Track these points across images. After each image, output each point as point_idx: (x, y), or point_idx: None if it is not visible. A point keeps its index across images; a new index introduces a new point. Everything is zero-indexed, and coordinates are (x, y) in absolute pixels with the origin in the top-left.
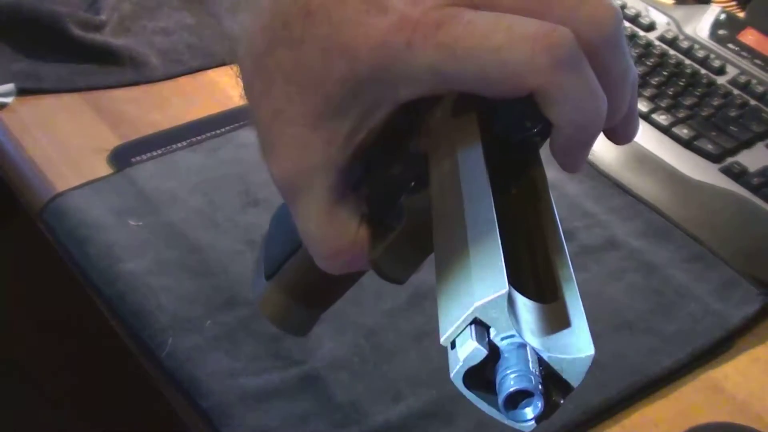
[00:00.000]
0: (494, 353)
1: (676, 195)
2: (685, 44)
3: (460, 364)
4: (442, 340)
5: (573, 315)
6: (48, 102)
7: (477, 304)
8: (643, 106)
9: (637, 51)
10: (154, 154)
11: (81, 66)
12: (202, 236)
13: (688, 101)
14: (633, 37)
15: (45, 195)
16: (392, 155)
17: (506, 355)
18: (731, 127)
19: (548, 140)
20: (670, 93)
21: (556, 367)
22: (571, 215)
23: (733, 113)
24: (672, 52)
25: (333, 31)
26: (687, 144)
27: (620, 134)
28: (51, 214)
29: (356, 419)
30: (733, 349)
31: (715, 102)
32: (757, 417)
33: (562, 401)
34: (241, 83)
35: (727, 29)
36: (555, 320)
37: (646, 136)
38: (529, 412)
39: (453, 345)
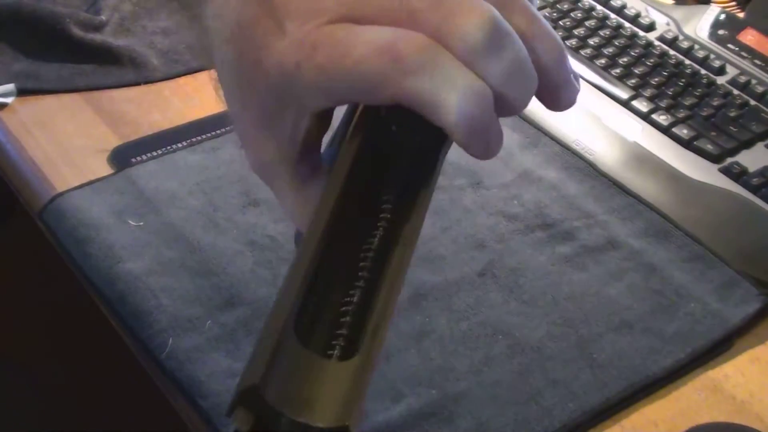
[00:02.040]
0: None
1: (676, 195)
2: (684, 44)
3: None
4: (226, 413)
5: (349, 381)
6: (48, 102)
7: (238, 389)
8: (643, 107)
9: (636, 51)
10: (154, 154)
11: (81, 66)
12: (202, 236)
13: (688, 101)
14: (633, 36)
15: (45, 195)
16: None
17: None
18: (731, 128)
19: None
20: (670, 93)
21: None
22: (571, 215)
23: (732, 113)
24: (672, 52)
25: (255, 47)
26: (687, 144)
27: (550, 103)
28: (51, 214)
29: None
30: (733, 349)
31: (715, 102)
32: (757, 417)
33: None
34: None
35: (726, 29)
36: (329, 385)
37: (646, 136)
38: None
39: (232, 419)
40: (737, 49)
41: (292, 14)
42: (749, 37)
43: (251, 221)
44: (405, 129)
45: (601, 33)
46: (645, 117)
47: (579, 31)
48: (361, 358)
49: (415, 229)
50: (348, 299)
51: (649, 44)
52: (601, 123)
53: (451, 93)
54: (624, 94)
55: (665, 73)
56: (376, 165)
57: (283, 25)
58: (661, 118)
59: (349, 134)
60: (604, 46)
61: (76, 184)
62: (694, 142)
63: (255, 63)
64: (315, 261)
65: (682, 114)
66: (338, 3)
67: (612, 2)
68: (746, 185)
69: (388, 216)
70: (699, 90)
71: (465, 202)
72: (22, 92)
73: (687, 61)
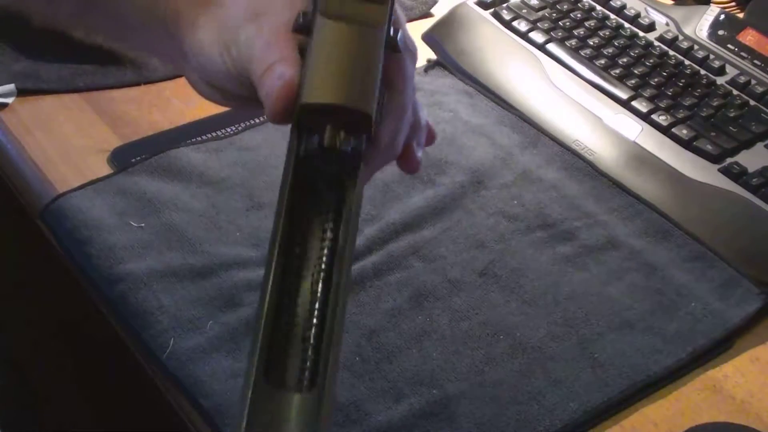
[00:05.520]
0: None
1: (676, 195)
2: (684, 45)
3: None
4: None
5: (313, 413)
6: (48, 102)
7: None
8: (642, 107)
9: (636, 51)
10: (155, 154)
11: (81, 66)
12: (203, 237)
13: (688, 102)
14: (633, 37)
15: (45, 196)
16: None
17: None
18: (731, 128)
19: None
20: (670, 93)
21: None
22: (571, 215)
23: (732, 114)
24: (672, 52)
25: None
26: (687, 144)
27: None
28: (51, 214)
29: (357, 419)
30: (733, 349)
31: (715, 102)
32: (756, 417)
33: None
34: None
35: (726, 30)
36: (297, 417)
37: (646, 136)
38: None
39: None
40: (737, 49)
41: None
42: (749, 37)
43: (254, 224)
44: (322, 161)
45: (601, 33)
46: (645, 117)
47: (579, 32)
48: (317, 390)
49: (345, 249)
50: (309, 327)
51: (649, 44)
52: (601, 123)
53: None
54: (624, 95)
55: (665, 74)
56: (312, 199)
57: None
58: (661, 119)
59: (282, 180)
60: (603, 46)
61: (77, 184)
62: (694, 143)
63: None
64: (274, 299)
65: (681, 114)
66: None
67: (612, 3)
68: (746, 185)
69: (329, 243)
70: (699, 90)
71: (465, 203)
72: (22, 92)
73: (687, 62)
